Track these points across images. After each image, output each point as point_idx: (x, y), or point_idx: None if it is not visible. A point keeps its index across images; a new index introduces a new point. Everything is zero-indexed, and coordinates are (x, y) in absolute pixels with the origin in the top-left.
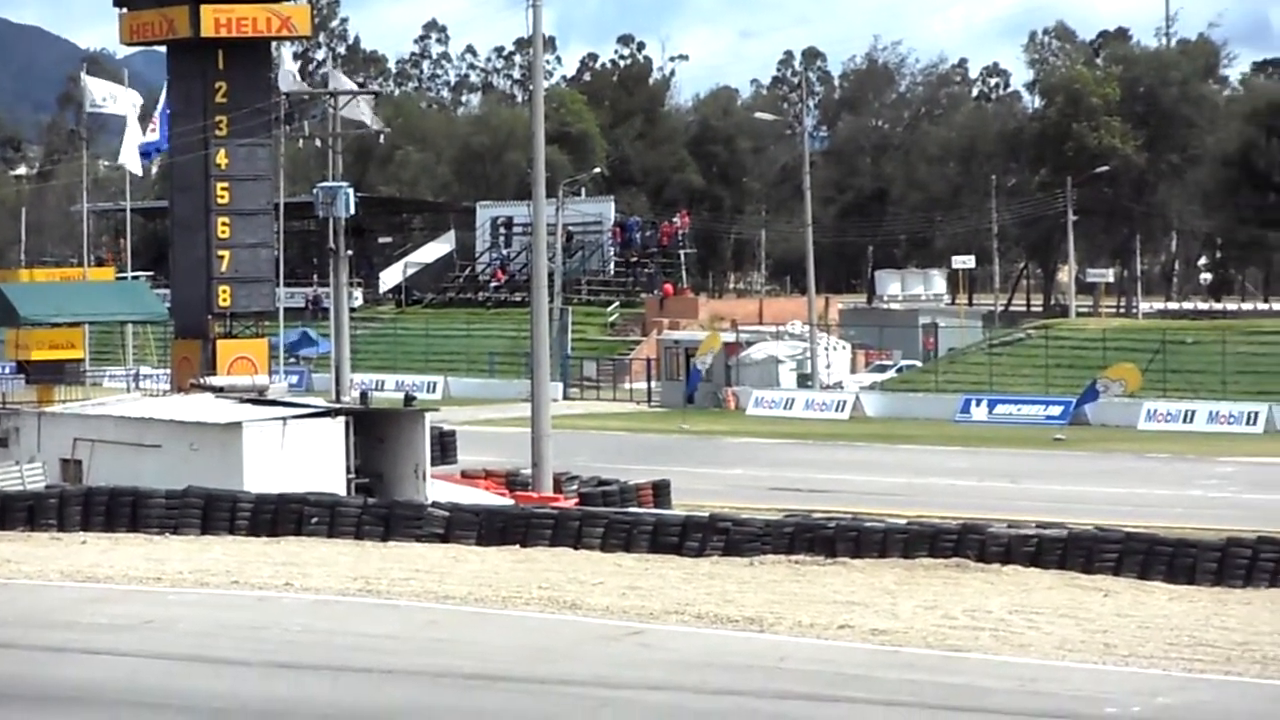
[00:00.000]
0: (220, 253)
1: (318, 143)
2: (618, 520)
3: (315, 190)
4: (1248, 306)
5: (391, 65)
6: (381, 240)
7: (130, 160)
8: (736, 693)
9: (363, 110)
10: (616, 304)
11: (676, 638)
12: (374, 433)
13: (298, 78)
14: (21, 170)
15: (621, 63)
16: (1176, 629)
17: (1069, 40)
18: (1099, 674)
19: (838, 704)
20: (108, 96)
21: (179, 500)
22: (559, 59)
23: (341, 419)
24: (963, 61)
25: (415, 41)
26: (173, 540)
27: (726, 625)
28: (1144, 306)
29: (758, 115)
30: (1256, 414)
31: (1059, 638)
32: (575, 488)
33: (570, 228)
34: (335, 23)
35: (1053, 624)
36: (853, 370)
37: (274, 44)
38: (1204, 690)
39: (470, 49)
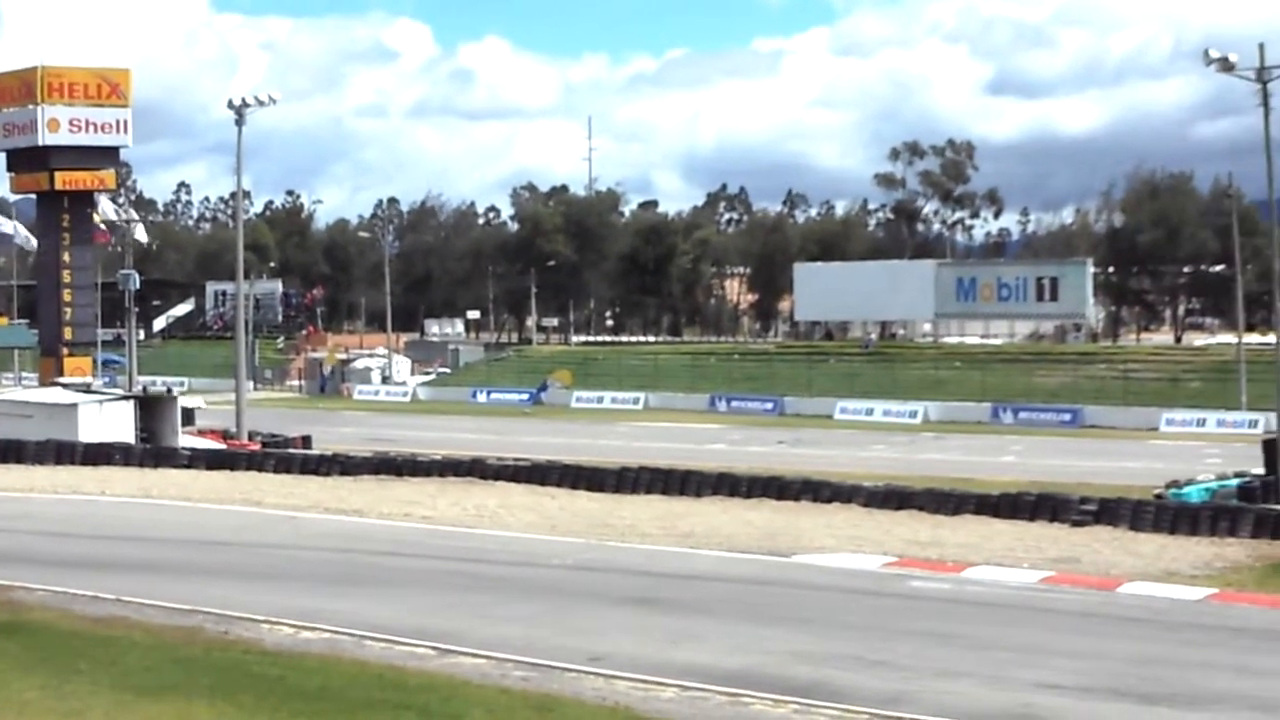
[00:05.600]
0: (66, 310)
1: (118, 248)
2: (282, 456)
3: (118, 275)
4: (636, 339)
5: (160, 205)
6: (154, 302)
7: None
8: (349, 550)
9: (141, 232)
10: (282, 338)
11: (316, 522)
12: (150, 409)
13: (107, 211)
14: None
15: (287, 204)
16: (592, 517)
17: (534, 191)
18: (549, 541)
19: (401, 557)
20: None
21: (42, 447)
22: (252, 201)
23: (132, 401)
24: (473, 203)
25: (173, 192)
26: (38, 469)
27: (343, 514)
28: (575, 338)
29: (361, 233)
30: (639, 398)
31: (526, 521)
32: (259, 438)
33: (257, 296)
34: (130, 180)
35: (523, 514)
36: (412, 373)
37: (95, 193)
38: (607, 551)
39: (206, 198)
